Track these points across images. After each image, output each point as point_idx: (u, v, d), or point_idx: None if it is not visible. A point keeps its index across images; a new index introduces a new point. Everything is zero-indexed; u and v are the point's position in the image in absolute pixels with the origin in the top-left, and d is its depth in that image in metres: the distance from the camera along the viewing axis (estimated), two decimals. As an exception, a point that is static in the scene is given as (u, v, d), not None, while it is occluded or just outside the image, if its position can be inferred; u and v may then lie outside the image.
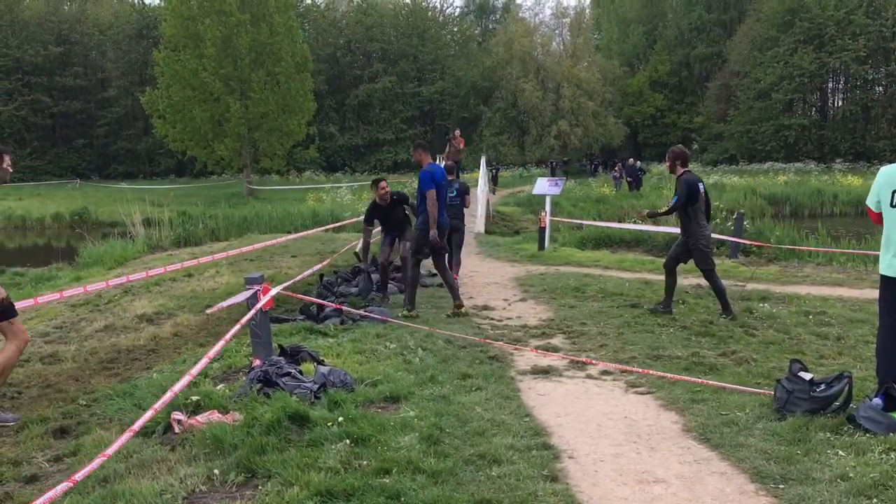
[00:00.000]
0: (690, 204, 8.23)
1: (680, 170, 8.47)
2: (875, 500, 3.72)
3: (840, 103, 56.48)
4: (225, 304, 6.31)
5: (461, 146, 15.68)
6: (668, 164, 8.78)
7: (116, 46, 60.99)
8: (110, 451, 3.51)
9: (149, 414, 4.08)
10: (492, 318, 9.05)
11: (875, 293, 5.71)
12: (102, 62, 62.09)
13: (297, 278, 9.92)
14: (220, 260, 12.74)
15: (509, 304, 9.96)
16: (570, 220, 19.09)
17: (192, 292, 11.39)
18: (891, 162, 6.19)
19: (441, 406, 5.36)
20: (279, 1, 39.84)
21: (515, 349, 7.27)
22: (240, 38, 37.20)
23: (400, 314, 8.71)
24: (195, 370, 4.90)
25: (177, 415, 5.02)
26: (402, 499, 3.83)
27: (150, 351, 8.11)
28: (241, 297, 6.25)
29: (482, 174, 22.53)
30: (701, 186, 8.34)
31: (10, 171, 5.81)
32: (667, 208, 8.55)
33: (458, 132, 16.90)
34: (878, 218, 5.32)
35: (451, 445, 4.59)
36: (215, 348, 5.27)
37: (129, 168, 60.86)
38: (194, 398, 5.35)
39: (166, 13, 40.44)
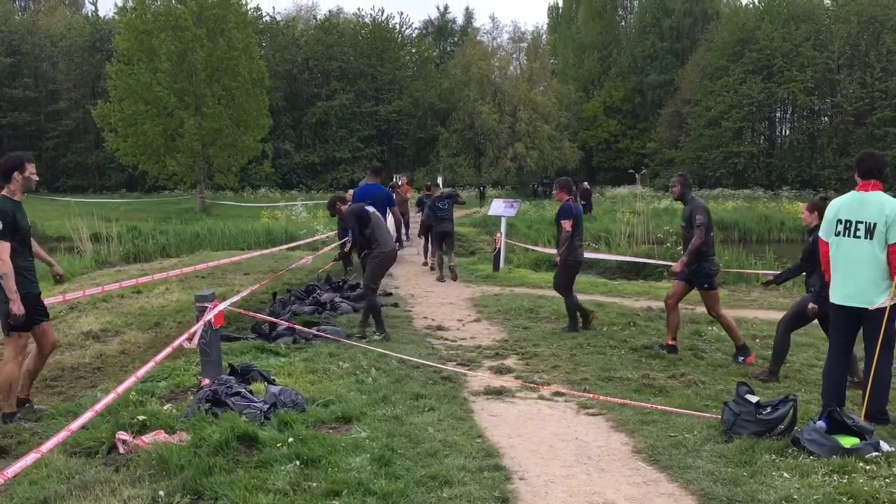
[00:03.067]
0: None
1: (344, 208, 9.45)
2: (818, 522, 3.79)
3: (787, 132, 58.02)
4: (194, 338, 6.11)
5: (407, 195, 15.26)
6: (331, 212, 10.02)
7: (68, 58, 59.84)
8: (45, 448, 3.42)
9: (88, 415, 3.98)
10: (446, 339, 9.05)
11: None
12: (53, 74, 60.83)
13: (244, 293, 9.80)
14: (170, 277, 12.54)
15: (463, 325, 9.97)
16: (525, 245, 19.20)
17: (141, 309, 11.18)
18: (836, 190, 6.46)
19: (393, 427, 5.34)
20: (237, 17, 39.62)
21: (468, 371, 7.27)
22: (195, 52, 36.84)
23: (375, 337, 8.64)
24: (141, 372, 4.82)
25: (121, 435, 4.91)
26: (352, 521, 3.80)
27: (95, 369, 7.93)
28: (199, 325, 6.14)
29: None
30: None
31: (36, 179, 5.96)
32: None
33: (404, 180, 16.53)
34: (824, 248, 5.55)
35: (403, 466, 4.57)
36: (163, 353, 5.19)
37: (78, 182, 59.59)
38: (140, 418, 5.23)
39: (120, 26, 39.87)
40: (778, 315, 10.64)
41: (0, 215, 5.57)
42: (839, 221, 5.41)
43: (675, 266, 7.99)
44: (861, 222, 5.32)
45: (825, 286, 6.08)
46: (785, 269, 8.94)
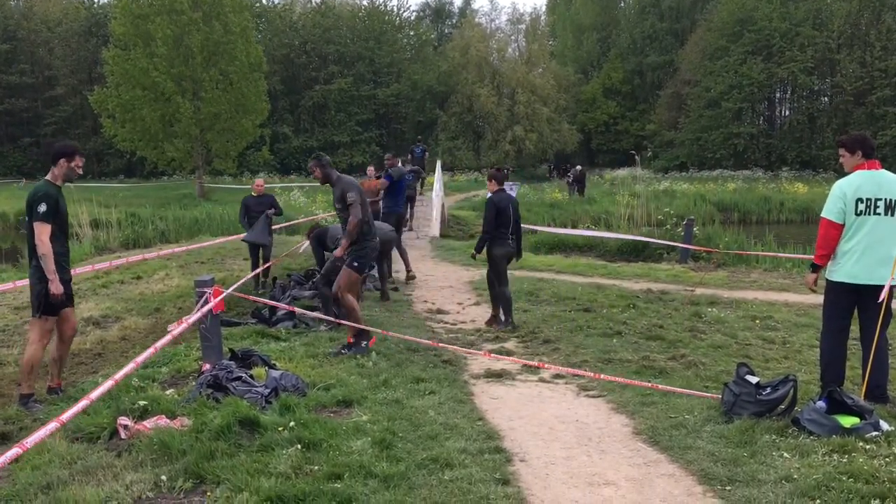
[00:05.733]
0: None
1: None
2: (818, 501, 3.80)
3: (787, 113, 57.68)
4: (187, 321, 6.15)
5: (375, 187, 13.42)
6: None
7: (65, 44, 59.48)
8: (29, 442, 3.41)
9: (82, 404, 3.98)
10: (446, 322, 9.07)
11: (820, 299, 5.86)
12: (50, 60, 60.44)
13: (245, 278, 9.79)
14: (170, 262, 12.54)
15: (463, 308, 9.99)
16: (524, 226, 19.17)
17: (141, 295, 11.19)
18: (836, 171, 6.44)
19: (394, 410, 5.35)
20: (233, 0, 39.35)
21: (469, 353, 7.28)
22: (192, 36, 36.62)
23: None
24: (140, 359, 4.84)
25: (123, 420, 4.92)
26: (354, 503, 3.81)
27: (96, 355, 7.94)
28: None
29: (437, 178, 22.60)
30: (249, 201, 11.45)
31: (79, 171, 6.12)
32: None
33: (371, 171, 15.37)
34: (831, 231, 5.44)
35: (404, 449, 4.58)
36: (164, 340, 5.21)
37: (76, 168, 59.40)
38: (141, 403, 5.25)
39: (116, 11, 39.56)
40: (777, 296, 10.69)
41: (45, 198, 5.77)
42: (860, 200, 5.35)
43: (337, 251, 7.51)
44: (880, 199, 5.32)
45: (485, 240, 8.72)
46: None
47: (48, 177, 6.02)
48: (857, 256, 5.37)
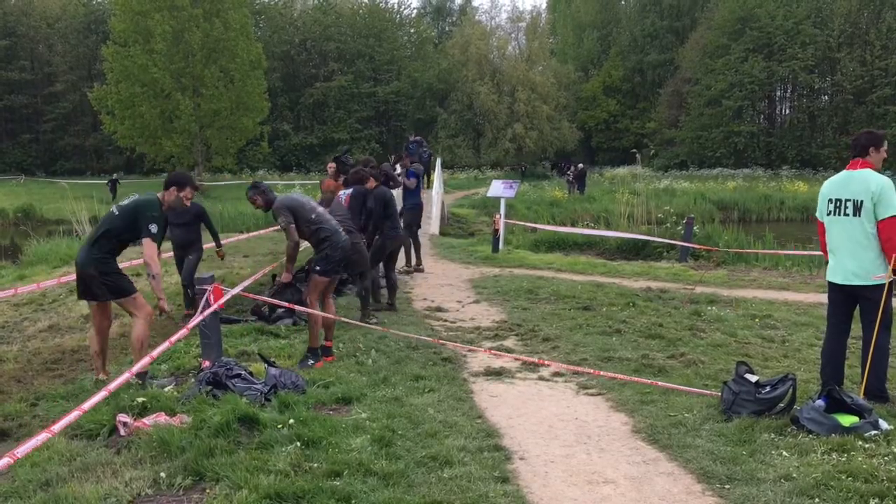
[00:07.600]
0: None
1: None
2: (817, 500, 3.81)
3: (787, 111, 57.70)
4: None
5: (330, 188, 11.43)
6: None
7: (64, 40, 59.52)
8: (57, 427, 3.42)
9: (102, 394, 3.98)
10: (445, 320, 9.06)
11: (819, 297, 5.90)
12: (50, 56, 60.51)
13: (248, 281, 9.78)
14: (169, 259, 12.50)
15: (463, 306, 9.97)
16: (524, 224, 19.19)
17: (140, 291, 11.15)
18: (836, 169, 6.55)
19: (393, 408, 5.35)
20: (234, -2, 39.35)
21: (469, 350, 7.29)
22: (192, 33, 36.62)
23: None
24: (156, 353, 4.87)
25: (122, 417, 4.93)
26: (353, 501, 3.82)
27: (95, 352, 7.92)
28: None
29: (437, 175, 22.59)
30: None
31: (187, 204, 6.44)
32: None
33: (331, 167, 13.38)
34: (820, 227, 5.66)
35: (403, 447, 4.59)
36: (178, 335, 5.22)
37: (76, 164, 59.37)
38: (140, 400, 5.25)
39: (116, 7, 39.62)
40: (777, 294, 10.69)
41: (158, 220, 6.04)
42: (830, 201, 5.50)
43: (283, 276, 7.27)
44: (849, 200, 5.36)
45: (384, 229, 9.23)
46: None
47: (160, 195, 6.24)
48: (835, 257, 5.50)
